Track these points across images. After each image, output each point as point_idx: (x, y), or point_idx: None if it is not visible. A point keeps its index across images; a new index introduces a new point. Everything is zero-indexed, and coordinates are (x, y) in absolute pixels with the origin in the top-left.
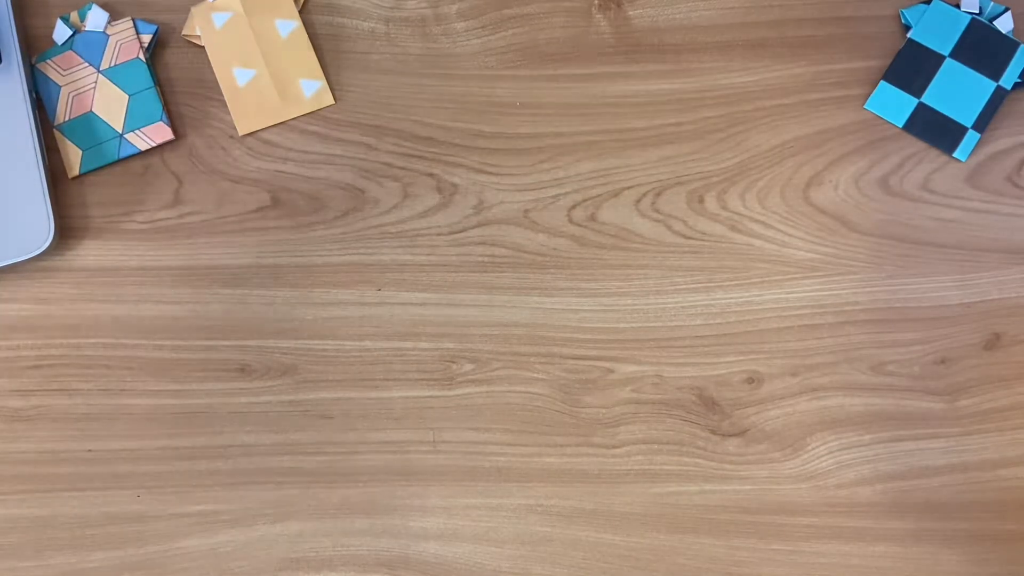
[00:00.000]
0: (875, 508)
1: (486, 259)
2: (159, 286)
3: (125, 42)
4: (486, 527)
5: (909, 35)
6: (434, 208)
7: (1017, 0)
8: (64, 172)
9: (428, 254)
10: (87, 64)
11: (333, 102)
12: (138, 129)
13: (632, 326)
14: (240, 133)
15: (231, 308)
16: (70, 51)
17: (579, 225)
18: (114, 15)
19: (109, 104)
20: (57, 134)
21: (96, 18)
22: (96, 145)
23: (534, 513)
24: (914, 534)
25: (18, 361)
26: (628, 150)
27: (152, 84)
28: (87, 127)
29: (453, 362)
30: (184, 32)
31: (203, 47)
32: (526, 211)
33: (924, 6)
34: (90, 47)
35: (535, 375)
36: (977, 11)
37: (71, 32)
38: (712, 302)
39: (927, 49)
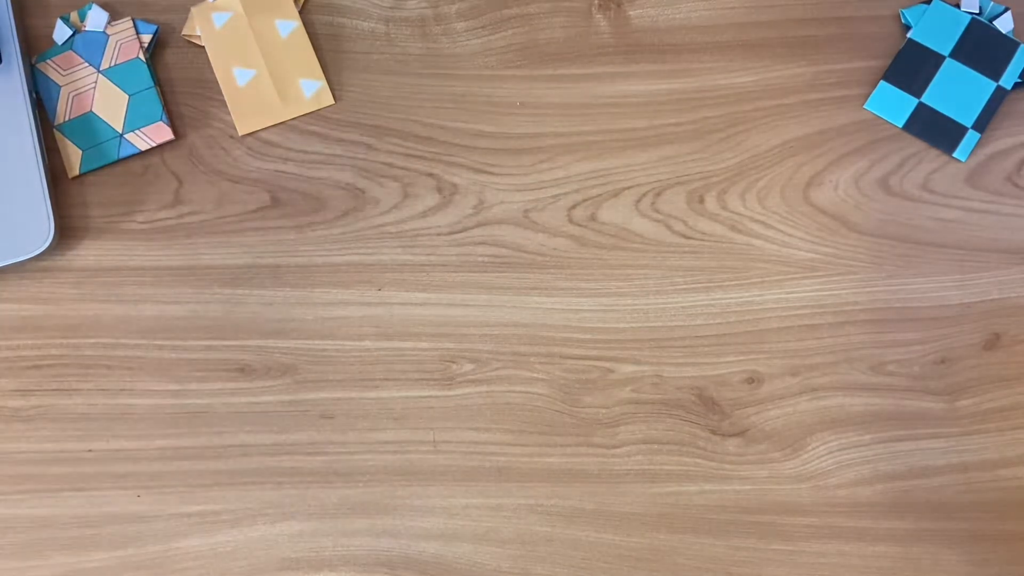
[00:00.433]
0: (875, 508)
1: (486, 259)
2: (159, 286)
3: (125, 42)
4: (486, 527)
5: (909, 35)
6: (434, 208)
7: (1017, 0)
8: (64, 172)
9: (428, 254)
10: (87, 64)
11: (333, 102)
12: (138, 129)
13: (632, 326)
14: (240, 133)
15: (231, 308)
16: (70, 51)
17: (579, 225)
18: (114, 15)
19: (109, 104)
20: (57, 134)
21: (96, 18)
22: (96, 145)
23: (534, 513)
24: (914, 534)
25: (18, 361)
26: (628, 150)
27: (152, 84)
28: (87, 127)
29: (453, 362)
30: (184, 32)
31: (203, 47)
32: (526, 211)
33: (924, 6)
34: (90, 47)
35: (535, 375)
36: (977, 11)
37: (71, 32)
38: (712, 302)
39: (927, 49)
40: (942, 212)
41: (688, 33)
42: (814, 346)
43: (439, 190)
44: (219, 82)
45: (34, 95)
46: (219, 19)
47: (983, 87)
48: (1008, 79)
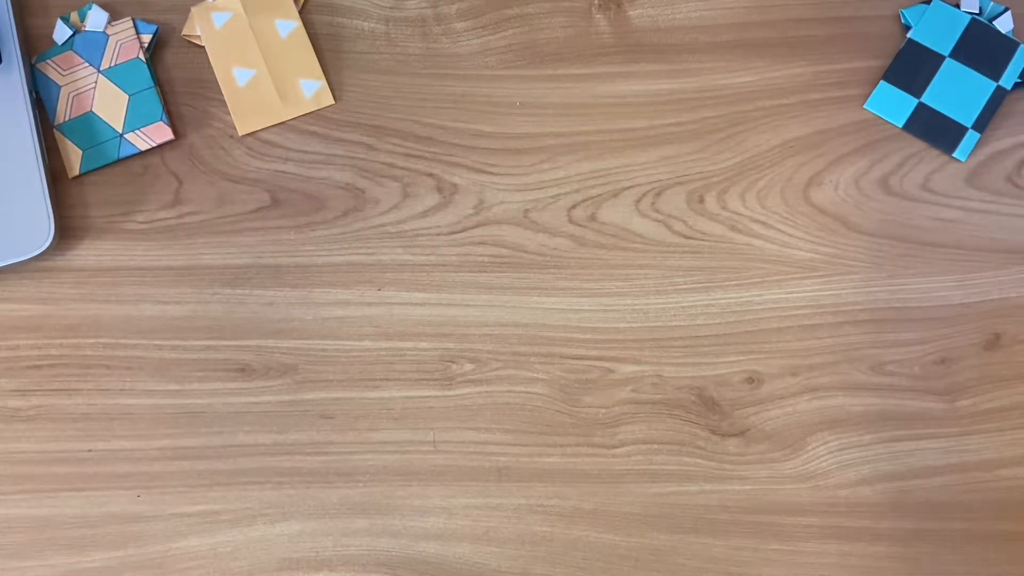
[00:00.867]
0: (875, 508)
1: (486, 259)
2: (159, 286)
3: (125, 42)
4: (486, 527)
5: (909, 35)
6: (434, 208)
7: (1017, 0)
8: (64, 172)
9: (428, 254)
10: (87, 64)
11: (333, 102)
12: (138, 129)
13: (632, 326)
14: (240, 133)
15: (231, 308)
16: (70, 51)
17: (579, 225)
18: (114, 15)
19: (109, 104)
20: (57, 134)
21: (96, 18)
22: (96, 145)
23: (534, 513)
24: (914, 534)
25: (18, 361)
26: (628, 150)
27: (152, 84)
28: (87, 127)
29: (453, 362)
30: (184, 32)
31: (203, 47)
32: (526, 211)
33: (924, 6)
34: (90, 47)
35: (535, 375)
36: (977, 11)
37: (71, 32)
38: (712, 302)
39: (927, 49)
40: (942, 212)
41: (688, 33)
42: (814, 346)
43: (439, 190)
44: (219, 82)
45: (34, 95)
46: (219, 19)
47: (983, 87)
48: (1008, 79)
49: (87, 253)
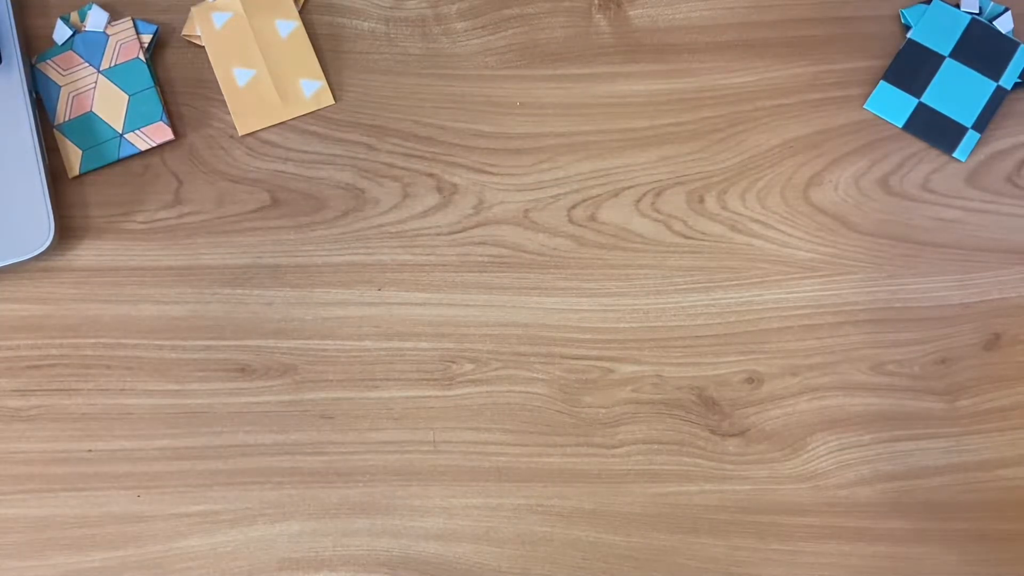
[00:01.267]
0: (875, 508)
1: (486, 259)
2: (159, 286)
3: (125, 42)
4: (486, 527)
5: (909, 35)
6: (434, 208)
7: (1017, 0)
8: (64, 172)
9: (428, 254)
10: (87, 64)
11: (333, 102)
12: (138, 129)
13: (632, 326)
14: (240, 133)
15: (231, 308)
16: (70, 51)
17: (579, 225)
18: (114, 15)
19: (109, 104)
20: (57, 134)
21: (96, 18)
22: (96, 145)
23: (534, 513)
24: (914, 534)
25: (18, 361)
26: (628, 150)
27: (152, 84)
28: (87, 127)
29: (453, 362)
30: (184, 32)
31: (203, 47)
32: (526, 211)
33: (924, 6)
34: (90, 47)
35: (535, 375)
36: (977, 11)
37: (71, 32)
38: (712, 302)
39: (927, 49)
40: (942, 212)
41: (688, 33)
42: (814, 346)
43: (439, 190)
44: (219, 82)
45: (34, 95)
46: (219, 19)
47: (983, 87)
48: (1008, 79)
49: (87, 253)
